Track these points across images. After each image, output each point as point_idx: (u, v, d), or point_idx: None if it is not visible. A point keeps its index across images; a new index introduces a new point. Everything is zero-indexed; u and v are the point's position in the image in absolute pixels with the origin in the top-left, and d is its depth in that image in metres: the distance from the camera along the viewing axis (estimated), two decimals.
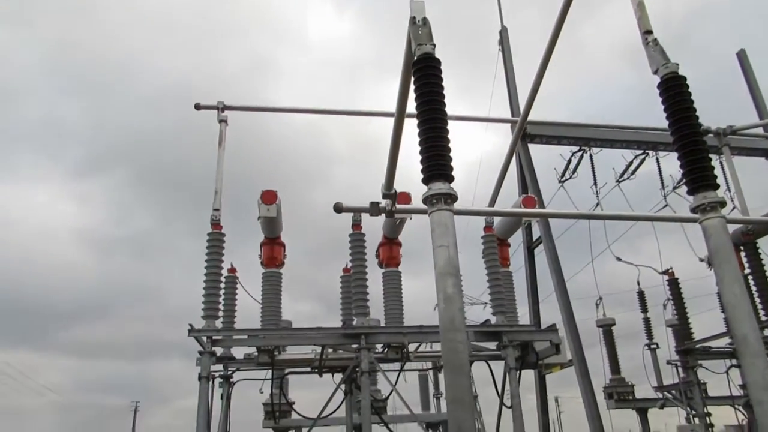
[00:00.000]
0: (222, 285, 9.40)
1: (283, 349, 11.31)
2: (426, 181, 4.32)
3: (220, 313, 9.27)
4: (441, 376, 13.68)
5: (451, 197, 4.19)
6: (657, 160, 15.14)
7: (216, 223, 9.35)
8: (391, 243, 10.20)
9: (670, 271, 14.31)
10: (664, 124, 5.01)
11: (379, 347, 9.67)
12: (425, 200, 4.25)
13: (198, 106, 10.35)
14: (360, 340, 8.71)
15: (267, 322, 9.33)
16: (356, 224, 9.60)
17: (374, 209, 5.65)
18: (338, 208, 5.71)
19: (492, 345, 9.88)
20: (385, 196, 5.77)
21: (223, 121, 10.31)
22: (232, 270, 10.84)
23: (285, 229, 10.30)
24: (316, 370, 10.13)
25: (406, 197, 8.56)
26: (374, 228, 9.94)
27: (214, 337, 8.71)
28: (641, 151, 15.40)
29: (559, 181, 16.56)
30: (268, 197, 9.14)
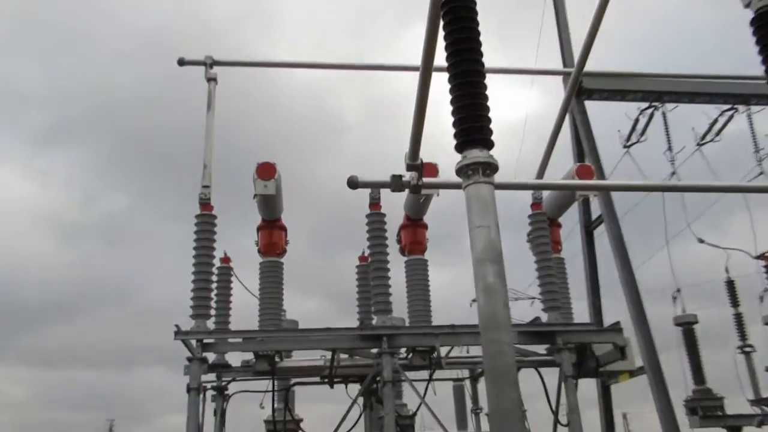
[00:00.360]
0: (214, 278, 9.55)
1: (287, 354, 11.50)
2: (459, 148, 4.29)
3: (212, 312, 9.42)
4: (480, 387, 13.77)
5: (491, 167, 4.17)
6: (749, 116, 14.85)
7: (205, 203, 9.44)
8: (414, 225, 10.31)
9: (767, 255, 14.10)
10: (759, 71, 4.90)
11: (403, 352, 9.82)
12: (459, 171, 4.24)
13: (182, 62, 10.36)
14: (381, 343, 8.81)
15: (266, 322, 9.47)
16: (375, 203, 9.69)
17: (396, 184, 5.67)
18: (353, 183, 5.74)
19: (541, 349, 9.92)
20: (409, 168, 5.78)
21: (212, 79, 10.36)
22: (226, 260, 10.98)
23: (287, 211, 10.40)
24: (327, 381, 10.26)
25: (433, 169, 8.62)
26: (393, 208, 10.10)
27: (205, 341, 8.85)
28: (728, 106, 15.10)
29: (624, 146, 16.41)
30: (265, 171, 9.21)
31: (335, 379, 10.35)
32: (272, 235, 10.15)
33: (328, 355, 9.96)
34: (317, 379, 10.67)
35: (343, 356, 10.07)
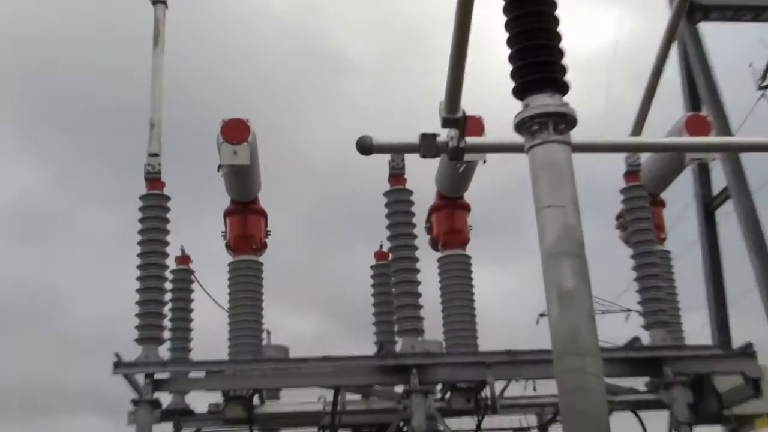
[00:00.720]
0: (167, 286, 9.65)
1: (272, 395, 11.44)
2: (520, 92, 4.28)
3: (166, 335, 9.49)
4: None
5: (566, 120, 4.15)
6: None
7: (154, 178, 9.49)
8: (451, 206, 10.23)
9: None
10: None
11: (439, 390, 9.89)
12: (520, 126, 4.22)
13: None
14: (409, 378, 8.82)
15: (239, 348, 9.48)
16: (397, 174, 9.69)
17: (428, 146, 5.66)
18: (366, 147, 5.73)
19: (641, 383, 9.87)
20: (446, 123, 5.74)
21: (159, 2, 10.38)
22: (183, 259, 10.96)
23: (266, 188, 10.32)
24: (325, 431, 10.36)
25: (477, 125, 8.63)
26: (419, 182, 10.14)
27: (156, 376, 8.92)
28: None
29: (759, 87, 16.25)
30: (234, 132, 9.21)
31: (340, 431, 10.35)
32: (246, 223, 10.12)
33: (330, 395, 9.94)
34: (314, 430, 10.64)
35: (352, 398, 10.08)
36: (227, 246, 10.27)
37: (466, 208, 10.44)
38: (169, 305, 9.98)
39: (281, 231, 10.47)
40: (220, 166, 9.27)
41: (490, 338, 9.74)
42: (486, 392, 9.36)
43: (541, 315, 30.88)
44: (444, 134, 5.69)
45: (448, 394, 9.64)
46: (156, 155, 9.56)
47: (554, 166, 4.12)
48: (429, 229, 10.43)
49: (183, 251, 10.89)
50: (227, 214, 10.32)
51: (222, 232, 10.48)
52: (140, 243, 9.38)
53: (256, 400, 10.08)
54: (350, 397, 10.18)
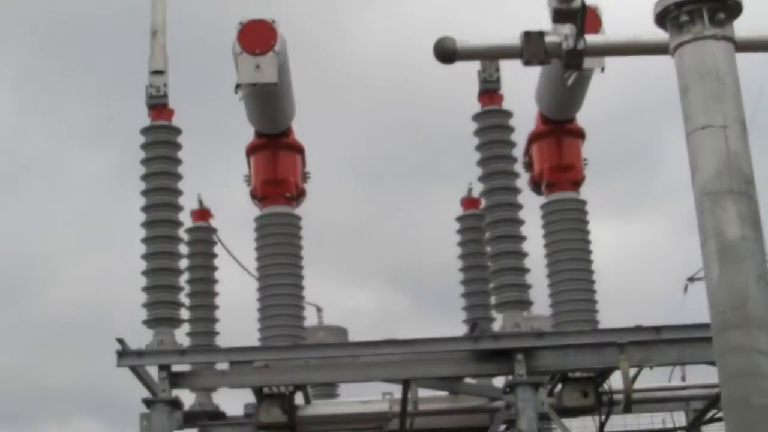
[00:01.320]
0: (182, 249, 9.79)
1: (327, 391, 11.39)
2: None
3: (184, 313, 9.68)
4: None
5: (727, 7, 4.17)
6: None
7: (159, 105, 9.62)
8: (559, 133, 10.25)
9: None
10: None
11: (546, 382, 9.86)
12: (662, 17, 4.22)
13: None
14: (513, 366, 8.88)
15: (272, 329, 9.65)
16: (490, 90, 9.68)
17: (534, 48, 5.67)
18: (448, 52, 5.76)
19: None
20: (557, 16, 5.77)
21: None
22: (202, 213, 11.09)
23: (302, 115, 10.38)
24: None
25: (593, 19, 8.56)
26: (510, 100, 10.04)
27: (174, 368, 9.11)
28: None
29: None
30: (258, 38, 9.32)
31: None
32: (276, 163, 10.25)
33: (397, 392, 10.03)
34: None
35: (427, 394, 10.03)
36: (252, 194, 10.35)
37: (579, 134, 10.41)
38: (187, 275, 10.16)
39: (325, 172, 10.45)
40: (238, 86, 9.28)
41: (613, 312, 9.63)
42: (607, 384, 9.48)
43: (691, 279, 30.57)
44: (555, 32, 5.72)
45: (558, 387, 9.59)
46: (160, 73, 9.62)
47: (711, 72, 4.10)
48: (528, 165, 10.38)
49: (201, 203, 10.99)
50: (251, 151, 10.43)
51: (245, 176, 10.54)
52: (145, 193, 9.51)
53: (299, 399, 10.17)
54: (424, 393, 10.09)
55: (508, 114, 9.71)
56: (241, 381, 9.67)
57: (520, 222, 9.69)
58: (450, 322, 10.14)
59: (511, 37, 5.83)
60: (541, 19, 5.99)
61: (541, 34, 5.78)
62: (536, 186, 10.26)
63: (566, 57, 5.74)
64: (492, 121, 9.66)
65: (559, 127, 10.28)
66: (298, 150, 10.47)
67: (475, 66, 9.58)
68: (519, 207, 9.73)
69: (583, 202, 10.22)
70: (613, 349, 9.00)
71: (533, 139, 10.33)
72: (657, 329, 9.12)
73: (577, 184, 10.22)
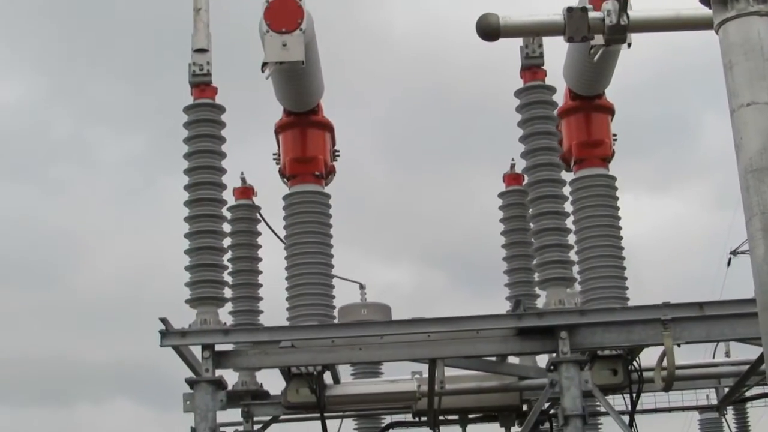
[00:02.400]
0: (226, 228, 9.90)
1: (371, 368, 11.43)
2: None
3: (227, 292, 9.76)
4: (752, 418, 13.76)
5: None
6: None
7: (203, 83, 9.66)
8: (588, 108, 10.28)
9: None
10: None
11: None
12: None
13: None
14: (557, 343, 8.89)
15: (302, 308, 9.78)
16: (533, 66, 9.67)
17: (577, 24, 5.69)
18: (491, 29, 5.77)
19: None
20: None
21: None
22: (245, 191, 11.24)
23: (330, 92, 10.49)
24: (421, 418, 10.52)
25: None
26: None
27: (217, 347, 9.18)
28: None
29: None
30: (284, 17, 9.32)
31: (445, 415, 10.66)
32: (305, 140, 10.36)
33: (425, 371, 10.10)
34: (408, 417, 11.05)
35: (453, 373, 10.18)
36: (281, 173, 10.49)
37: (608, 110, 10.43)
38: (230, 253, 10.26)
39: (356, 149, 10.43)
40: (264, 64, 9.31)
41: (651, 287, 9.54)
42: (636, 362, 9.61)
43: (734, 253, 30.34)
44: (604, 6, 5.72)
45: (587, 366, 9.59)
46: (204, 51, 9.66)
47: (756, 48, 4.08)
48: (557, 141, 10.30)
49: (244, 181, 11.08)
50: (279, 129, 10.51)
51: (274, 155, 10.67)
52: (188, 171, 9.59)
53: (329, 378, 10.32)
54: (450, 372, 10.06)
55: (551, 89, 9.76)
56: (284, 360, 9.67)
57: (564, 198, 9.74)
58: (485, 298, 10.14)
59: (554, 13, 5.84)
60: None
61: (584, 10, 5.81)
62: (565, 162, 10.26)
63: (609, 32, 5.76)
64: (535, 96, 9.69)
65: (587, 103, 10.31)
66: (327, 128, 10.56)
67: (507, 42, 9.56)
68: (563, 183, 9.78)
69: (613, 178, 10.24)
70: (658, 326, 8.96)
71: (562, 115, 10.35)
72: (700, 305, 9.10)
73: (606, 159, 10.27)
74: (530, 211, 9.76)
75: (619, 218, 10.12)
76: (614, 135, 10.40)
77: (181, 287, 9.46)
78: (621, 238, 10.06)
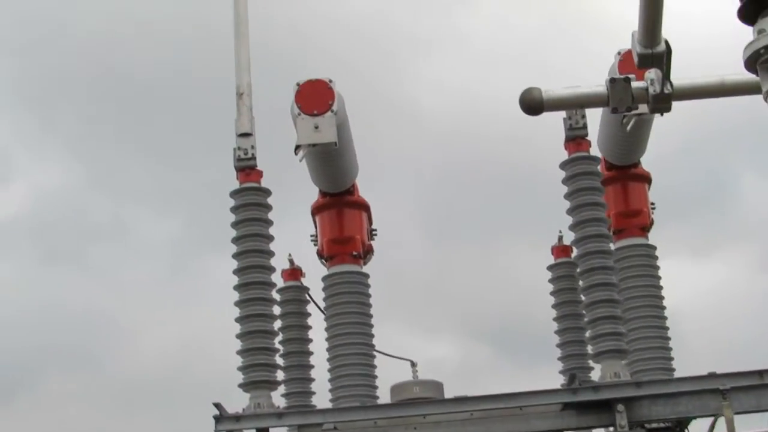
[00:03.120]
0: (275, 310, 9.86)
1: None
2: (751, 12, 4.26)
3: (279, 375, 9.70)
4: None
5: None
6: None
7: (248, 167, 9.68)
8: (624, 178, 10.27)
9: None
10: None
11: None
12: (753, 61, 4.18)
13: None
14: (613, 416, 8.75)
15: (344, 389, 9.75)
16: (577, 138, 9.57)
17: (621, 95, 5.71)
18: (535, 103, 5.79)
19: None
20: (644, 61, 5.79)
21: None
22: (293, 273, 11.24)
23: (366, 172, 10.55)
24: None
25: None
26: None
27: (271, 431, 9.11)
28: None
29: None
30: (315, 99, 9.38)
31: None
32: (342, 221, 10.38)
33: None
34: None
35: None
36: (319, 254, 10.52)
37: (645, 178, 10.41)
38: (280, 336, 10.23)
39: (393, 226, 10.48)
40: (297, 147, 9.35)
41: (692, 357, 9.49)
42: None
43: None
44: (647, 76, 5.73)
45: None
46: (248, 135, 9.71)
47: None
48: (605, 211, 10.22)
49: (292, 262, 11.14)
50: (316, 210, 10.54)
51: (312, 236, 10.72)
52: (237, 255, 9.61)
53: None
54: None
55: (596, 160, 9.71)
56: None
57: (614, 269, 9.66)
58: (529, 370, 10.09)
59: (597, 84, 5.86)
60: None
61: (627, 80, 5.82)
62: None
63: (653, 102, 5.77)
64: (581, 167, 9.63)
65: (623, 173, 10.31)
66: (363, 207, 10.60)
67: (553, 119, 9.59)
68: (611, 254, 9.70)
69: (652, 247, 10.23)
70: (717, 396, 8.86)
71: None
72: (760, 373, 8.97)
73: (644, 229, 10.26)
74: (581, 283, 9.70)
75: (660, 287, 10.11)
76: (652, 203, 10.42)
77: (225, 370, 9.57)
78: (664, 307, 10.06)
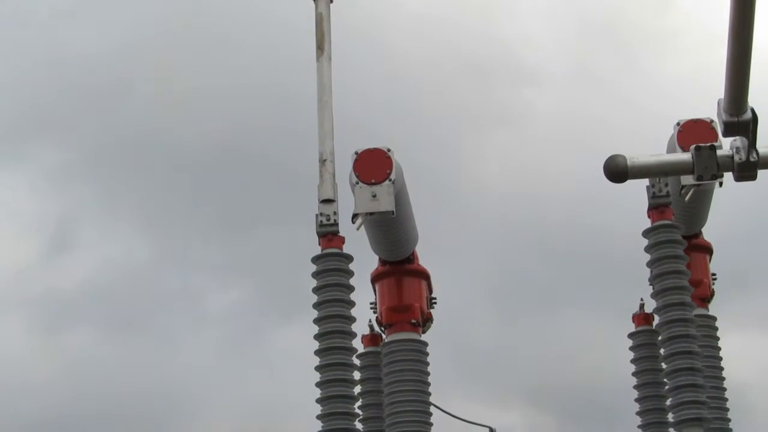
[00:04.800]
0: (356, 376, 9.88)
1: None
2: None
3: None
4: None
5: None
6: None
7: (330, 233, 9.69)
8: (685, 248, 10.04)
9: None
10: None
11: None
12: None
13: None
14: None
15: None
16: (661, 205, 9.54)
17: (706, 163, 5.68)
18: (620, 170, 5.77)
19: None
20: (730, 129, 5.76)
21: None
22: (374, 338, 11.25)
23: (426, 240, 10.63)
24: None
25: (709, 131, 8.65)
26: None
27: None
28: None
29: None
30: (373, 168, 9.46)
31: None
32: (401, 289, 10.43)
33: None
34: None
35: None
36: (378, 322, 10.56)
37: (706, 249, 10.44)
38: (360, 401, 10.23)
39: (454, 295, 10.45)
40: (355, 215, 9.39)
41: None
42: None
43: None
44: (728, 144, 5.71)
45: None
46: (331, 201, 9.73)
47: None
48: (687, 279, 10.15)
49: (372, 328, 11.18)
50: (375, 278, 10.61)
51: (371, 303, 10.77)
52: (318, 320, 9.64)
53: None
54: None
55: (679, 228, 9.70)
56: None
57: (696, 338, 9.60)
58: None
59: (681, 152, 5.84)
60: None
61: (712, 148, 5.77)
62: None
63: (738, 170, 5.71)
64: (664, 236, 9.65)
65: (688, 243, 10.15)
66: (423, 275, 10.61)
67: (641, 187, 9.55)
68: (694, 323, 9.63)
69: (712, 318, 10.21)
70: None
71: None
72: None
73: (705, 300, 10.23)
74: (662, 351, 9.66)
75: (720, 358, 10.10)
76: (713, 274, 10.41)
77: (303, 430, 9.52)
78: (724, 378, 10.06)
